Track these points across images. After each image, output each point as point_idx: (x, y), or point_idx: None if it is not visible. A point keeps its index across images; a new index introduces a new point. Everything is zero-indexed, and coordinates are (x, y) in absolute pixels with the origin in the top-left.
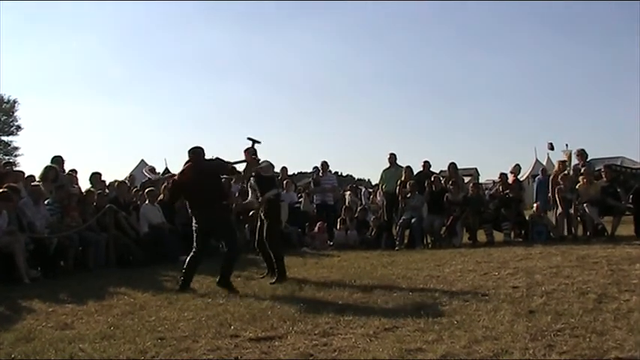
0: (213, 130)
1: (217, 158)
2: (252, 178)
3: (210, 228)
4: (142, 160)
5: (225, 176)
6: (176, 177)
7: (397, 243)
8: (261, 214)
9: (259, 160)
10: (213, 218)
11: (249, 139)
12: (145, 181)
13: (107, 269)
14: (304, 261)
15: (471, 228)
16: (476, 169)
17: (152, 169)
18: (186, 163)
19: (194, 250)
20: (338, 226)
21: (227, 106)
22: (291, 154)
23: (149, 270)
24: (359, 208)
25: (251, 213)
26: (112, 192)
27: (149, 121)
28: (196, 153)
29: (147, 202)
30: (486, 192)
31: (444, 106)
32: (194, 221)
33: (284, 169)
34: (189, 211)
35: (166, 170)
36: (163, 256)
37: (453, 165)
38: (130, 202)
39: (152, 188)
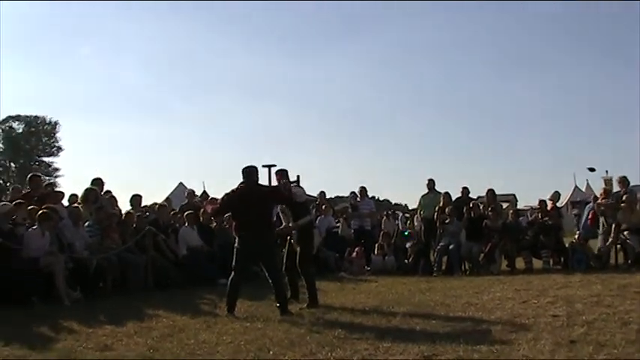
0: (251, 153)
1: (275, 186)
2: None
3: (255, 251)
4: (181, 183)
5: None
6: (229, 193)
7: (435, 269)
8: (293, 240)
9: (291, 183)
10: (261, 242)
11: (265, 166)
12: (183, 203)
13: (146, 291)
14: (342, 286)
15: (510, 255)
16: (514, 195)
17: (191, 193)
18: (241, 183)
19: (234, 272)
20: (375, 252)
21: (265, 130)
22: (328, 178)
23: (187, 292)
24: (396, 233)
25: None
26: (152, 214)
27: (188, 144)
28: (250, 173)
29: (186, 224)
30: (525, 219)
31: (483, 131)
32: (237, 243)
33: (322, 193)
34: (236, 231)
35: (204, 193)
36: (201, 279)
37: (491, 191)
38: (169, 224)
39: (191, 211)
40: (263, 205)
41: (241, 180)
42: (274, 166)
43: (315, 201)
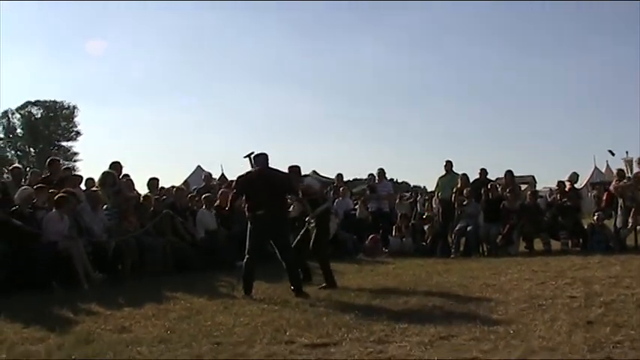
0: (271, 137)
1: (286, 174)
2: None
3: (268, 230)
4: (199, 166)
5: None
6: (243, 174)
7: (453, 251)
8: (310, 225)
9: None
10: (274, 221)
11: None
12: (201, 186)
13: (164, 274)
14: (359, 268)
15: (528, 236)
16: (533, 176)
17: (209, 176)
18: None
19: (248, 254)
20: (393, 233)
21: (284, 113)
22: (347, 161)
23: (205, 275)
24: (414, 215)
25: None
26: (169, 197)
27: (206, 127)
28: (263, 160)
29: (203, 207)
30: (543, 200)
31: (501, 113)
32: (250, 223)
33: (340, 175)
34: (249, 211)
35: (222, 176)
36: (219, 262)
37: (509, 173)
38: (187, 207)
39: (208, 194)
40: (276, 187)
41: (250, 167)
42: (252, 153)
43: (333, 183)
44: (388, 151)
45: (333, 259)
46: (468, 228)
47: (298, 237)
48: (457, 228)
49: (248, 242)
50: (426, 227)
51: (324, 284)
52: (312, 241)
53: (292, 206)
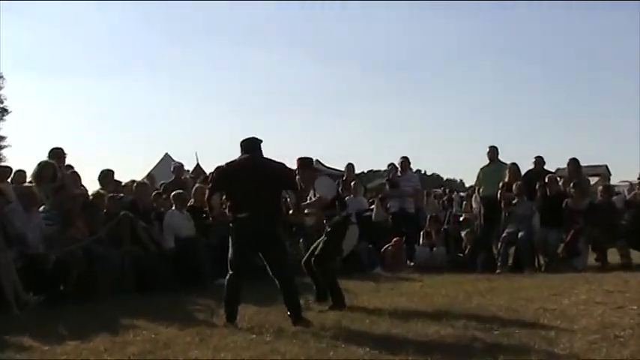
0: (261, 115)
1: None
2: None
3: (256, 239)
4: (167, 155)
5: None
6: (223, 165)
7: (499, 264)
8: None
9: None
10: (263, 227)
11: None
12: (169, 181)
13: (121, 295)
14: (377, 287)
15: (599, 246)
16: (606, 166)
17: (180, 167)
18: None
19: (231, 270)
20: (421, 242)
21: (279, 83)
22: (361, 148)
23: (176, 296)
24: (448, 218)
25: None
26: (129, 195)
27: (177, 103)
28: (254, 143)
29: (173, 208)
30: (620, 197)
31: (565, 85)
32: (233, 230)
33: (350, 166)
34: (232, 213)
35: (198, 168)
36: (194, 279)
37: (574, 161)
38: (152, 208)
39: (180, 191)
40: (269, 181)
41: (239, 154)
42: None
43: (342, 176)
44: (414, 134)
45: (342, 274)
46: (520, 234)
47: (320, 244)
48: (505, 234)
49: (230, 254)
50: (463, 233)
51: (328, 306)
52: (317, 247)
53: (306, 213)
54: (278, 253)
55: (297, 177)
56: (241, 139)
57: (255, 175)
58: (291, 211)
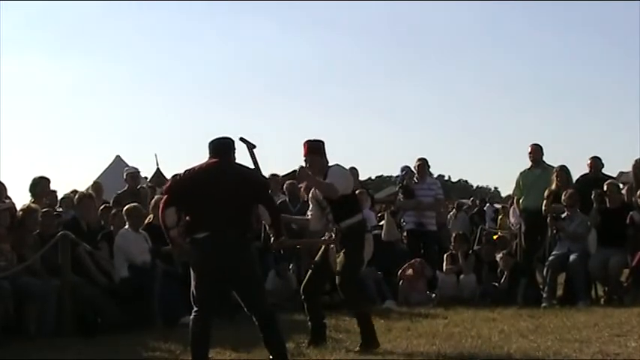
0: (240, 107)
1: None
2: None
3: (220, 268)
4: (118, 157)
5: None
6: (185, 171)
7: (545, 296)
8: (331, 247)
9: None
10: (231, 250)
11: (242, 140)
12: (121, 191)
13: (59, 337)
14: (388, 325)
15: None
16: None
17: (135, 174)
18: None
19: (197, 307)
20: (444, 267)
21: (263, 61)
22: (367, 149)
23: (129, 339)
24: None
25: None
26: (69, 211)
27: (130, 91)
28: (225, 146)
29: (126, 226)
30: None
31: (620, 69)
32: (194, 255)
33: (353, 171)
34: (189, 233)
35: (158, 174)
36: (152, 316)
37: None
38: (99, 227)
39: (135, 204)
40: (238, 193)
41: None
42: (253, 146)
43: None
44: (434, 130)
45: (341, 309)
46: (571, 257)
47: (313, 267)
48: (552, 257)
49: (192, 287)
50: (499, 256)
51: (358, 346)
52: (337, 271)
53: (310, 217)
54: (251, 283)
55: (306, 165)
56: (211, 140)
57: (220, 185)
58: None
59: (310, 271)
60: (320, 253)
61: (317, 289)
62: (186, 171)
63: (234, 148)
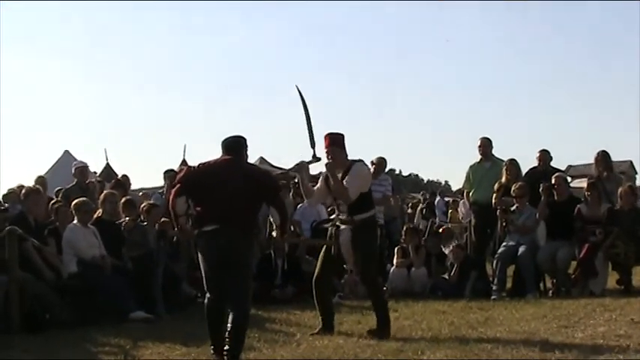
0: (189, 103)
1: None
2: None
3: (224, 255)
4: (66, 152)
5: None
6: (202, 163)
7: (494, 288)
8: (340, 242)
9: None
10: (234, 242)
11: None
12: (70, 186)
13: (6, 335)
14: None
15: (623, 263)
16: (630, 162)
17: (83, 169)
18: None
19: (209, 294)
20: (395, 261)
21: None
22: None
23: (78, 335)
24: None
25: None
26: (16, 205)
27: (78, 84)
28: (237, 145)
29: (75, 221)
30: None
31: (569, 63)
32: (200, 246)
33: (304, 166)
34: (198, 224)
35: (107, 168)
36: (103, 312)
37: (605, 155)
38: (47, 222)
39: (84, 199)
40: (248, 191)
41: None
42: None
43: (292, 178)
44: (385, 127)
45: (292, 303)
46: (520, 250)
47: (323, 259)
48: (502, 250)
49: (203, 275)
50: (449, 249)
51: (369, 330)
52: (357, 263)
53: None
54: (241, 273)
55: (328, 157)
56: (224, 138)
57: (230, 181)
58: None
59: (320, 263)
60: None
61: (328, 280)
62: (200, 164)
63: (247, 147)
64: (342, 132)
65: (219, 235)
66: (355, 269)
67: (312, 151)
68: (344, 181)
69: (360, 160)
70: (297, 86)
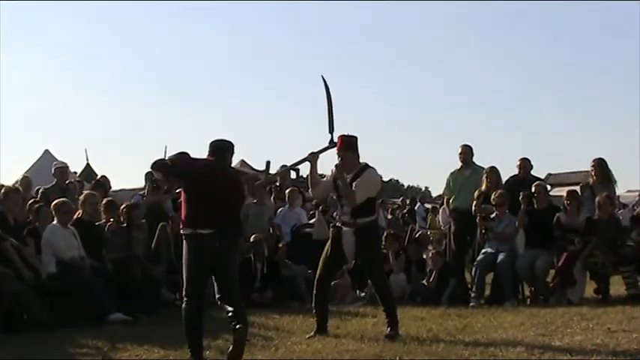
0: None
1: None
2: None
3: (211, 257)
4: (47, 152)
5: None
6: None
7: (473, 295)
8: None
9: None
10: (222, 244)
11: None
12: (49, 186)
13: None
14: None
15: (600, 272)
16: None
17: (63, 169)
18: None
19: (187, 298)
20: None
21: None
22: (299, 143)
23: (56, 336)
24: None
25: None
26: None
27: (59, 88)
28: (225, 149)
29: (54, 222)
30: (627, 212)
31: (551, 72)
32: (186, 247)
33: (285, 170)
34: (186, 225)
35: (87, 168)
36: (81, 314)
37: (600, 161)
38: (26, 221)
39: (64, 199)
40: (235, 194)
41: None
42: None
43: (274, 182)
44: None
45: (271, 307)
46: (499, 257)
47: (326, 259)
48: (480, 257)
49: (185, 278)
50: (428, 255)
51: (388, 331)
52: (367, 265)
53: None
54: (230, 274)
55: (340, 159)
56: (212, 140)
57: (217, 182)
58: None
59: (322, 264)
60: (331, 246)
61: (329, 280)
62: (192, 158)
63: (233, 152)
64: (355, 135)
65: (208, 238)
66: (366, 272)
67: (329, 136)
68: (353, 184)
69: (372, 167)
70: (322, 76)
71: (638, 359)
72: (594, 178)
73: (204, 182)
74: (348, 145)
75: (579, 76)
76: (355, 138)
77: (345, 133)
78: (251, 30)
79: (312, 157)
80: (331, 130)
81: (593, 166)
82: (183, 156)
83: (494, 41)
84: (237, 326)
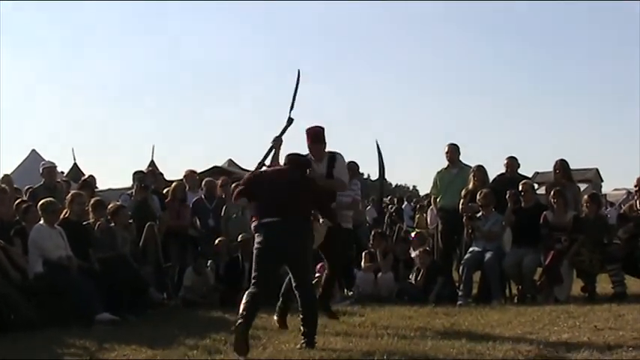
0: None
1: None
2: None
3: (282, 247)
4: (34, 152)
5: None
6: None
7: (460, 294)
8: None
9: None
10: (292, 234)
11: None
12: (37, 186)
13: None
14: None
15: (587, 270)
16: (596, 170)
17: (51, 169)
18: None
19: (254, 285)
20: (362, 265)
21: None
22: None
23: (43, 336)
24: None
25: None
26: None
27: (46, 88)
28: (301, 164)
29: (41, 221)
30: (614, 210)
31: (539, 71)
32: (257, 237)
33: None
34: (255, 217)
35: (75, 168)
36: (69, 314)
37: (563, 163)
38: (13, 221)
39: (51, 199)
40: (301, 191)
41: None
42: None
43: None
44: (352, 130)
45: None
46: (487, 256)
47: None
48: (468, 256)
49: (254, 266)
50: (415, 254)
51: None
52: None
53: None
54: (303, 264)
55: (310, 153)
56: (290, 153)
57: (293, 179)
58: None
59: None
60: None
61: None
62: (262, 171)
63: (308, 165)
64: (322, 126)
65: (277, 227)
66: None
67: (287, 115)
68: (334, 173)
69: (339, 154)
70: (298, 70)
71: (624, 357)
72: (559, 179)
73: (281, 179)
74: (318, 139)
75: (567, 73)
76: (322, 128)
77: (312, 126)
78: (237, 29)
79: (277, 143)
80: (291, 109)
81: (556, 167)
82: (251, 175)
83: (479, 39)
84: (304, 316)
